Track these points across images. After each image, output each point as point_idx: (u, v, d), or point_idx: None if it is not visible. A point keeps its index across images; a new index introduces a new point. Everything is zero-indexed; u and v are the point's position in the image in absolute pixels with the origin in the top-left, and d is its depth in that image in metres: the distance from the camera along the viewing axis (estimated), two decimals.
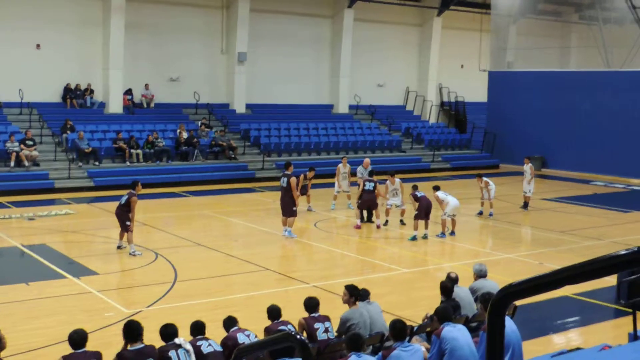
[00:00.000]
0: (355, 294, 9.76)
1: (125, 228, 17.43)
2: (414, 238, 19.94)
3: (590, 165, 35.79)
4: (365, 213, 22.30)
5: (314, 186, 25.98)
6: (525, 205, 25.52)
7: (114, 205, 23.96)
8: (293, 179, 19.81)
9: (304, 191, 23.78)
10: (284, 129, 35.59)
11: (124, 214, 17.43)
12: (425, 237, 20.24)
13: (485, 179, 23.87)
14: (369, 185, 21.59)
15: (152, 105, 34.42)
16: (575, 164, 36.06)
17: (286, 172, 20.01)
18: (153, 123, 32.88)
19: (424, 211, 19.99)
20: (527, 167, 25.29)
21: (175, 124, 33.18)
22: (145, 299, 13.84)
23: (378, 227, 21.63)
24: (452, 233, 20.69)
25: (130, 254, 17.29)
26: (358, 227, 21.62)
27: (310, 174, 24.26)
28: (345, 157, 25.29)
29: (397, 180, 22.06)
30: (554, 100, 37.62)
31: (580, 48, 41.82)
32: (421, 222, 20.16)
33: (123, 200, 17.62)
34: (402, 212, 22.39)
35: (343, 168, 24.55)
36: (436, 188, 21.04)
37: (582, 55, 41.25)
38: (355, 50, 39.97)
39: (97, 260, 16.92)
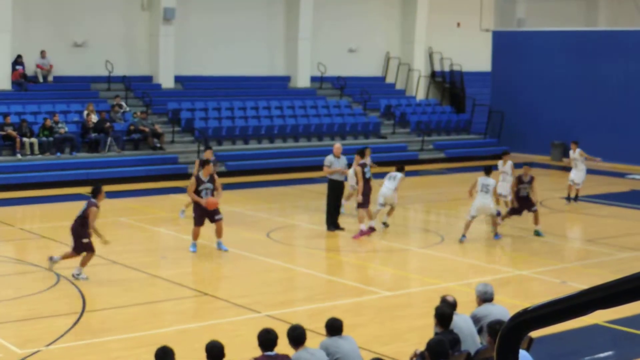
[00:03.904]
0: (294, 338, 9.83)
1: (81, 247, 17.07)
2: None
3: (625, 154, 36.18)
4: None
5: (276, 183, 25.94)
6: (576, 198, 27.17)
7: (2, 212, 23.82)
8: (216, 177, 19.61)
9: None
10: (226, 110, 35.47)
11: (81, 229, 17.09)
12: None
13: (510, 162, 24.69)
14: (370, 173, 21.95)
15: (51, 78, 34.08)
16: (607, 151, 36.41)
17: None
18: (52, 102, 32.56)
19: None
20: (577, 154, 26.70)
21: (81, 103, 32.90)
22: (43, 336, 13.71)
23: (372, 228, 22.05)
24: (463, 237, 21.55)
25: (73, 275, 17.05)
26: (368, 232, 21.70)
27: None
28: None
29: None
30: (578, 69, 37.98)
31: (611, 1, 42.29)
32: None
33: (81, 211, 17.30)
34: (390, 212, 22.63)
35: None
36: (487, 170, 21.94)
37: (612, 10, 41.70)
38: (319, 4, 39.97)
39: None
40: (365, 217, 21.70)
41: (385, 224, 22.83)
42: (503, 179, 24.23)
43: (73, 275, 17.06)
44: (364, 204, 21.60)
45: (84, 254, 17.08)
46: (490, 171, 21.86)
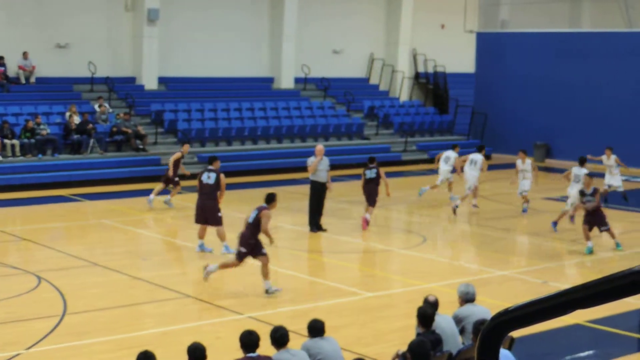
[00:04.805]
0: (277, 339, 9.83)
1: (251, 252, 16.56)
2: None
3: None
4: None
5: (259, 184, 25.84)
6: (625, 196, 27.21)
7: None
8: (223, 176, 19.71)
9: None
10: (209, 111, 35.40)
11: (251, 236, 16.52)
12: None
13: (528, 160, 25.77)
14: (370, 173, 22.95)
15: (33, 79, 33.97)
16: (589, 153, 36.50)
17: (211, 168, 19.93)
18: (34, 104, 32.45)
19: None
20: (612, 160, 26.68)
21: (64, 104, 32.79)
22: (24, 338, 13.64)
23: (365, 221, 22.78)
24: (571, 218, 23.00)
25: (267, 292, 16.48)
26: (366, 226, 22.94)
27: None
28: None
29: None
30: (562, 70, 38.08)
31: (595, 2, 42.45)
32: None
33: (251, 218, 16.68)
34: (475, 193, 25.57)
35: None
36: (581, 161, 23.13)
37: (597, 11, 41.86)
38: (303, 5, 39.96)
39: None
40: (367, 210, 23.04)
41: (475, 206, 25.58)
42: (524, 177, 25.52)
43: (267, 292, 16.42)
44: (366, 201, 23.10)
45: (261, 262, 16.51)
46: (584, 162, 22.99)
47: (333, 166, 23.24)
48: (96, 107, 33.14)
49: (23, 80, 33.70)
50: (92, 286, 16.96)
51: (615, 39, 36.83)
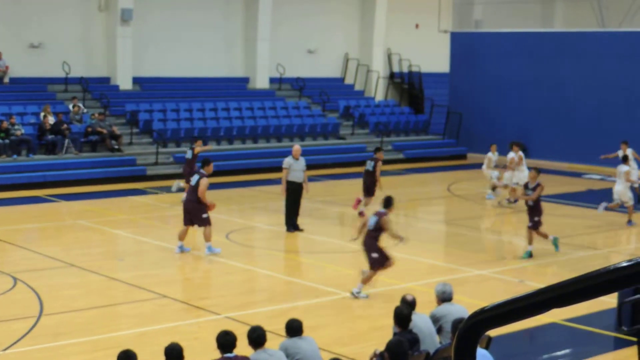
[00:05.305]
0: (254, 340, 9.87)
1: (373, 262, 16.39)
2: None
3: (582, 154, 36.51)
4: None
5: (235, 184, 25.84)
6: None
7: None
8: (203, 181, 19.56)
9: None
10: (184, 111, 35.34)
11: (371, 242, 16.29)
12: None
13: (521, 153, 26.45)
14: (368, 165, 23.97)
15: (7, 80, 33.79)
16: (564, 152, 36.76)
17: (202, 172, 19.92)
18: (8, 104, 32.28)
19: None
20: (630, 153, 26.22)
21: (38, 104, 32.65)
22: (0, 339, 13.61)
23: (360, 214, 23.55)
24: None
25: (354, 295, 16.40)
26: (357, 206, 24.07)
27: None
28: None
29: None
30: (535, 70, 38.26)
31: (568, 2, 42.67)
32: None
33: (372, 225, 16.34)
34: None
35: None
36: (623, 158, 24.01)
37: (570, 11, 42.08)
38: (278, 4, 39.95)
39: None
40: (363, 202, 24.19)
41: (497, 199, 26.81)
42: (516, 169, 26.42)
43: (352, 294, 16.40)
44: (363, 191, 24.33)
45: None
46: (625, 159, 23.88)
47: (309, 166, 23.28)
48: (70, 107, 33.05)
49: None
50: (69, 287, 16.95)
51: (588, 39, 37.04)
